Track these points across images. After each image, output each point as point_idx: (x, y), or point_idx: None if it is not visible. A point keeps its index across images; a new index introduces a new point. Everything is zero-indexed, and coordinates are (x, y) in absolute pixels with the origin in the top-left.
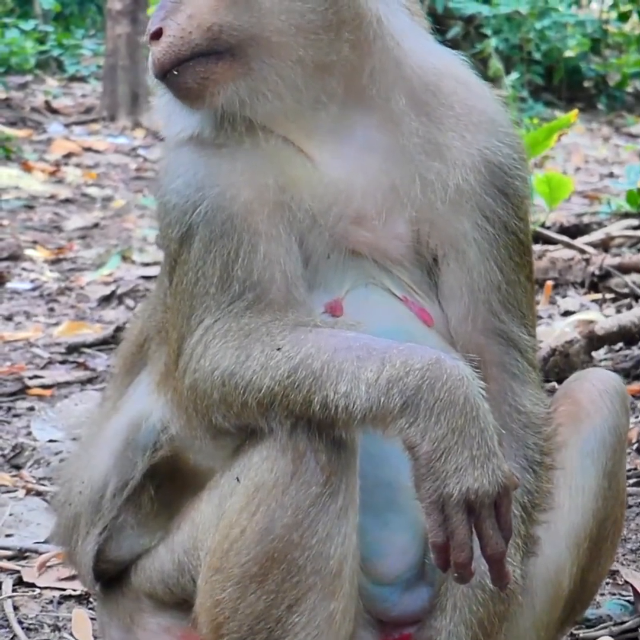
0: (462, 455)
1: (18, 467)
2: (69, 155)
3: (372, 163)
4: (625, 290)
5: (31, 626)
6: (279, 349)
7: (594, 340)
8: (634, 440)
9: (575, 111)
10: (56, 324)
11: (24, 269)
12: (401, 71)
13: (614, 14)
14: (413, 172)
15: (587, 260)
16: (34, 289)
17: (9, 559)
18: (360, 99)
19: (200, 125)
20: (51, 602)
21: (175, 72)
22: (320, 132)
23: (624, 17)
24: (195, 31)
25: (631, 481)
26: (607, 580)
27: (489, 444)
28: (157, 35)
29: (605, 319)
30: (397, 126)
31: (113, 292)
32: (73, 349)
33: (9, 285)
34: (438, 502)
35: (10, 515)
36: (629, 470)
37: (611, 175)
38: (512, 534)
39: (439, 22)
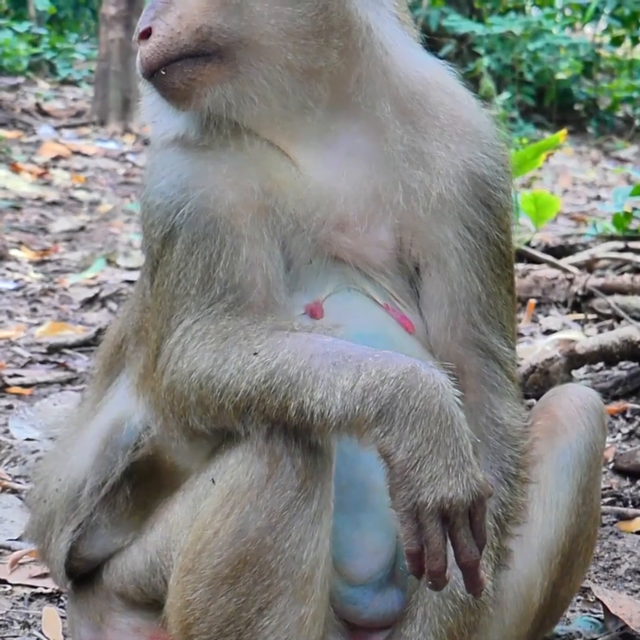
0: (436, 464)
1: None
2: (57, 158)
3: (356, 169)
4: (608, 311)
5: (1, 623)
6: (256, 354)
7: (574, 359)
8: (610, 459)
9: (563, 131)
10: (38, 324)
11: (8, 269)
12: (388, 79)
13: (607, 38)
14: (396, 179)
15: (571, 280)
16: (17, 289)
17: None
18: (346, 105)
19: (186, 126)
20: (22, 599)
21: (163, 72)
22: (306, 137)
23: (617, 41)
24: (184, 32)
25: (606, 500)
26: (579, 597)
27: (464, 452)
28: (146, 34)
29: (586, 339)
30: (381, 133)
31: (96, 295)
32: (54, 349)
33: None
34: (413, 510)
35: None
36: (605, 489)
37: (598, 198)
38: (486, 542)
39: (433, 40)
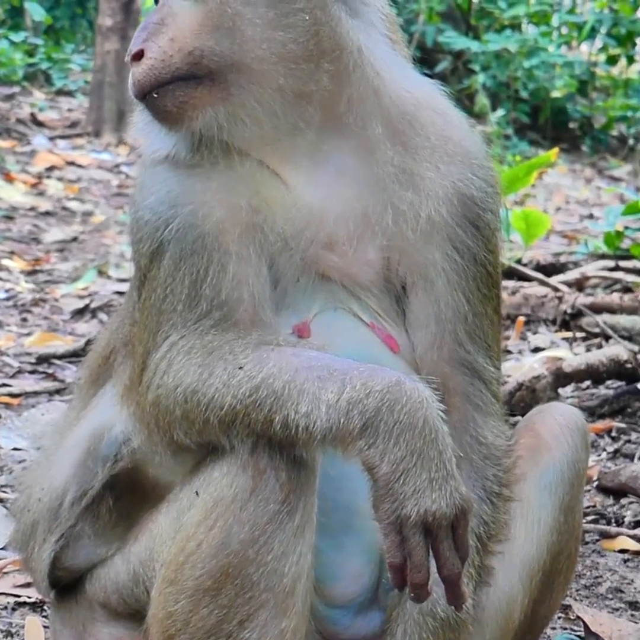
0: (420, 477)
1: None
2: (51, 168)
3: (345, 189)
4: (596, 330)
5: None
6: (241, 368)
7: (561, 377)
8: (594, 478)
9: (555, 150)
10: (28, 334)
11: None
12: (379, 100)
13: (602, 57)
14: (385, 200)
15: (560, 298)
16: (8, 299)
17: None
18: (337, 126)
19: (176, 145)
20: (5, 608)
21: (155, 95)
22: (296, 157)
23: (612, 60)
24: (176, 55)
25: (589, 518)
26: (560, 614)
27: (447, 466)
28: (138, 56)
29: (574, 357)
30: (372, 154)
31: (87, 306)
32: (43, 359)
33: None
34: (396, 523)
35: None
36: (588, 507)
37: (591, 216)
38: (468, 555)
39: (428, 56)
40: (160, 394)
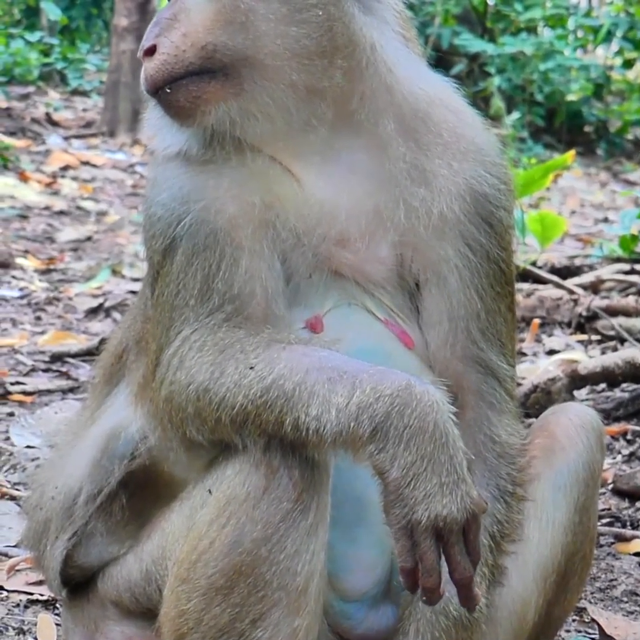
0: (431, 482)
1: None
2: (66, 168)
3: (357, 186)
4: (611, 333)
5: None
6: (252, 368)
7: (577, 380)
8: (610, 480)
9: (572, 152)
10: (42, 333)
11: (13, 277)
12: (392, 97)
13: (618, 61)
14: (397, 197)
15: (575, 301)
16: (22, 297)
17: None
18: (349, 123)
19: (188, 141)
20: (18, 605)
21: (168, 90)
22: (308, 154)
23: (628, 64)
24: (189, 50)
25: (604, 521)
26: (574, 617)
27: (458, 470)
28: (150, 51)
29: (589, 359)
30: (384, 151)
31: (101, 305)
32: (57, 358)
33: None
34: (407, 527)
35: None
36: (603, 510)
37: (606, 220)
38: (480, 558)
39: (444, 58)
40: (173, 390)
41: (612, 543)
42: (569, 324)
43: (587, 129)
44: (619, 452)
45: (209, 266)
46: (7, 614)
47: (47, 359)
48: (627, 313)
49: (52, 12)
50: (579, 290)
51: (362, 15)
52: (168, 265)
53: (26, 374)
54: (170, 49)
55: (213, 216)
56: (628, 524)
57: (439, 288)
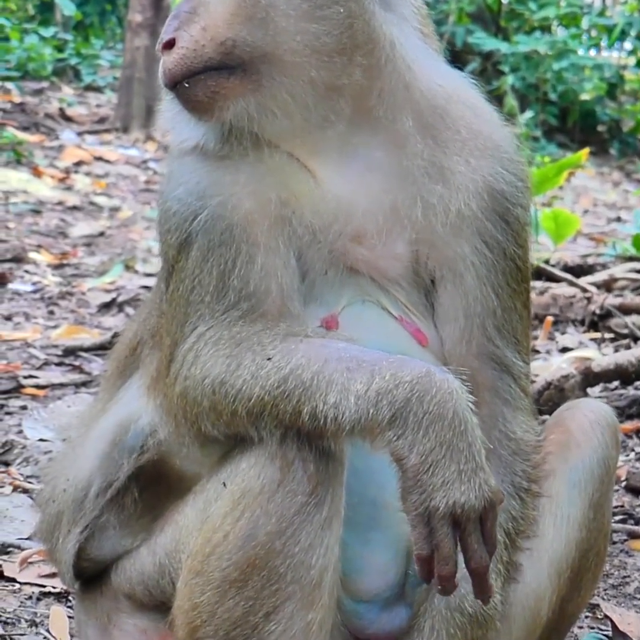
0: (449, 469)
1: (7, 464)
2: (79, 163)
3: (374, 183)
4: (625, 331)
5: (9, 620)
6: (269, 359)
7: (590, 377)
8: (623, 478)
9: (586, 150)
10: (55, 327)
11: (26, 271)
12: (410, 94)
13: (632, 60)
14: (415, 194)
15: (589, 299)
16: (35, 292)
17: None
18: (367, 119)
19: (205, 136)
20: (30, 597)
21: (186, 84)
22: (326, 150)
23: None
24: (208, 44)
25: (617, 518)
26: (587, 613)
27: (477, 458)
28: (169, 45)
29: (603, 357)
30: (402, 148)
31: (113, 300)
32: (70, 352)
33: (10, 286)
34: (424, 515)
35: None
36: (617, 507)
37: (619, 219)
38: (496, 548)
39: (458, 57)
40: (188, 385)
41: (625, 540)
42: (582, 322)
43: (600, 128)
44: (632, 450)
45: (224, 262)
46: (20, 606)
47: (60, 352)
48: None
49: (66, 8)
50: (592, 289)
51: (382, 12)
52: (183, 260)
53: (39, 368)
54: (189, 43)
55: (229, 212)
56: None
57: (455, 285)
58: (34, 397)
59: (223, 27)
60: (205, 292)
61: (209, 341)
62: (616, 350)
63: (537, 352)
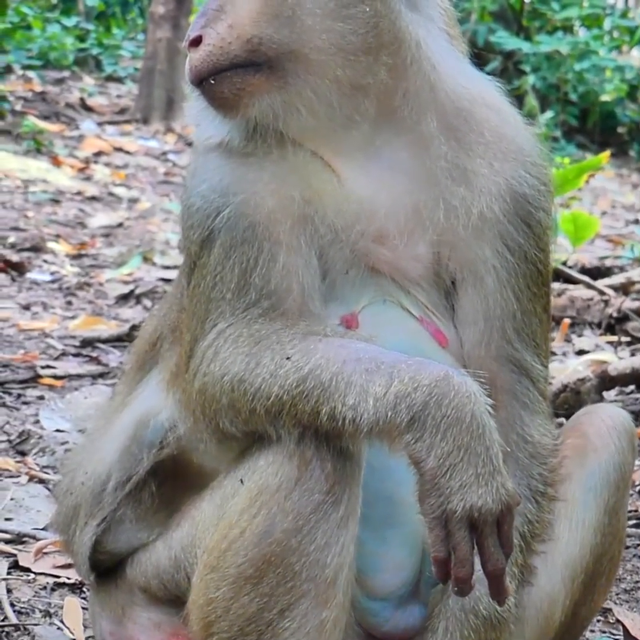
0: (467, 473)
1: (23, 454)
2: (99, 154)
3: (397, 183)
4: None
5: (23, 610)
6: (288, 359)
7: (606, 380)
8: (636, 482)
9: (606, 153)
10: (72, 317)
11: (45, 261)
12: (435, 95)
13: None
14: (437, 195)
15: (606, 302)
16: (53, 282)
17: (7, 542)
18: (392, 120)
19: (230, 132)
20: (45, 588)
21: (212, 81)
22: (350, 150)
23: None
24: (235, 42)
25: (631, 522)
26: (599, 617)
27: (494, 461)
28: (196, 42)
29: (619, 361)
30: (425, 149)
31: (131, 291)
32: (87, 343)
33: (28, 275)
34: (441, 517)
35: (11, 500)
36: (630, 511)
37: (637, 222)
38: (513, 550)
39: (479, 55)
40: (207, 381)
41: (638, 545)
42: (599, 325)
43: (620, 129)
44: None
45: (246, 260)
46: (34, 596)
47: (77, 343)
48: None
49: None
50: (610, 291)
51: (408, 12)
52: (205, 257)
53: (56, 358)
54: (216, 40)
55: (252, 210)
56: None
57: (475, 287)
58: (51, 387)
59: (249, 25)
60: (226, 289)
61: (228, 338)
62: (633, 354)
63: (554, 354)
